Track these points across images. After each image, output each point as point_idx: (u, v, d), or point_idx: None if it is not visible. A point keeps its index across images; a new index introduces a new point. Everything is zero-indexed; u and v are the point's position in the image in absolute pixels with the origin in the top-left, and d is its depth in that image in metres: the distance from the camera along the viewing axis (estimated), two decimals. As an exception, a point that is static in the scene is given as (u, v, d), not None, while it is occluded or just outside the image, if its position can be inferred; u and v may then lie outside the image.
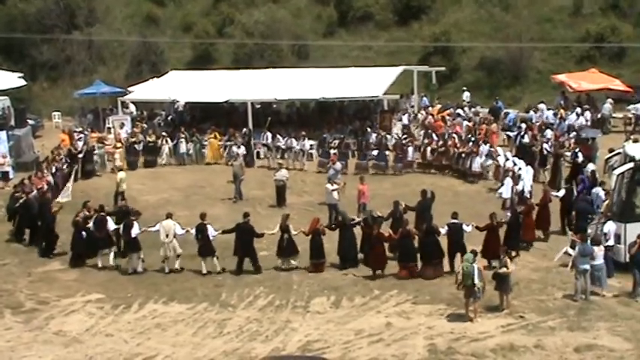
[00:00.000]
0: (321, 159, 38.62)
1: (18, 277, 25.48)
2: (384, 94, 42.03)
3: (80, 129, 43.27)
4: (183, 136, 40.41)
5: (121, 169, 33.74)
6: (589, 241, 22.67)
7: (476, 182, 35.12)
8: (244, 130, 40.72)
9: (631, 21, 53.01)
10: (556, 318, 21.07)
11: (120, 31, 59.37)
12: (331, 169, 33.85)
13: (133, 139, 39.51)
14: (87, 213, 26.66)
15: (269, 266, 25.68)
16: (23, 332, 21.47)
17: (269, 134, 40.41)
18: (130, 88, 47.14)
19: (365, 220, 25.83)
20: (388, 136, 39.17)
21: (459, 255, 23.43)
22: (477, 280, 20.97)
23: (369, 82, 42.80)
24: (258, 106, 44.48)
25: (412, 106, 46.50)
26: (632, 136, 36.48)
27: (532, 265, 25.10)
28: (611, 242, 24.04)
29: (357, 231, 25.87)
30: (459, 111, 43.88)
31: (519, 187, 30.32)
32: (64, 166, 34.82)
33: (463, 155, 36.49)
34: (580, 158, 33.18)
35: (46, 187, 30.84)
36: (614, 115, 42.64)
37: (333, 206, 29.72)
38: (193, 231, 25.71)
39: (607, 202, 26.44)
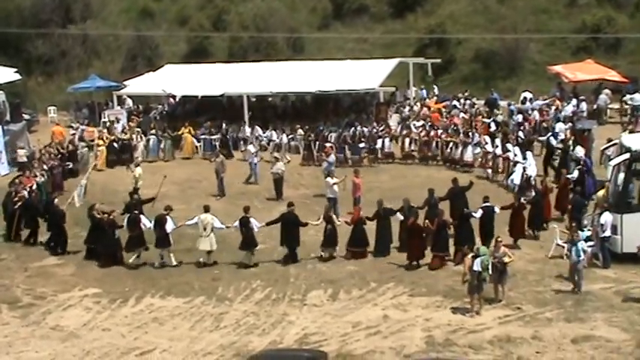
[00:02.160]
0: (305, 152, 38.78)
1: (15, 272, 25.43)
2: (380, 86, 41.94)
3: (77, 124, 43.21)
4: (153, 132, 40.29)
5: (138, 165, 33.46)
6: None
7: (470, 172, 35.14)
8: (224, 125, 40.87)
9: (627, 12, 52.97)
10: (553, 309, 21.10)
11: (115, 25, 59.34)
12: (325, 161, 33.81)
13: (112, 138, 39.25)
14: (98, 215, 26.29)
15: (265, 259, 25.71)
16: (20, 327, 21.46)
17: (247, 128, 40.38)
18: (125, 82, 47.05)
19: (401, 209, 25.96)
20: (364, 129, 39.08)
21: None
22: (491, 273, 21.18)
23: (365, 74, 42.72)
24: (254, 99, 44.48)
25: (408, 99, 46.43)
26: (629, 127, 36.52)
27: (529, 256, 25.13)
28: (607, 233, 24.06)
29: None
30: (455, 103, 43.86)
31: (528, 173, 30.68)
32: (58, 164, 34.47)
33: (451, 145, 36.75)
34: (554, 142, 34.30)
35: (35, 186, 30.19)
36: (610, 105, 42.60)
37: (333, 200, 29.63)
38: (236, 224, 25.61)
39: (603, 192, 26.48)
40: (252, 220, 25.54)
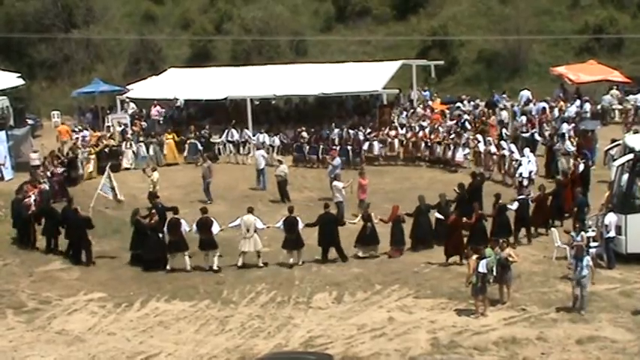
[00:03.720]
0: (296, 154, 38.90)
1: (20, 276, 25.42)
2: (383, 88, 41.96)
3: (79, 128, 43.24)
4: (142, 139, 40.13)
5: (155, 170, 33.22)
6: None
7: (458, 172, 35.64)
8: (204, 129, 40.98)
9: (629, 12, 53.09)
10: (558, 310, 21.07)
11: (118, 30, 59.48)
12: (330, 165, 33.76)
13: (103, 145, 38.87)
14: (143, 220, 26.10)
15: (271, 262, 25.71)
16: (26, 332, 21.46)
17: (234, 131, 40.41)
18: (128, 86, 47.10)
19: (439, 205, 26.36)
20: (351, 132, 39.15)
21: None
22: (495, 274, 21.21)
23: (368, 76, 42.73)
24: (257, 102, 44.53)
25: (411, 100, 46.47)
26: (633, 127, 36.52)
27: (534, 257, 25.12)
28: (612, 234, 24.04)
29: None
30: (459, 104, 43.92)
31: (530, 168, 31.47)
32: (61, 171, 34.25)
33: (442, 145, 37.07)
34: (539, 139, 35.92)
35: (37, 196, 29.32)
36: (614, 106, 42.58)
37: (341, 203, 29.53)
38: (280, 224, 25.75)
39: (607, 193, 26.49)
40: (299, 220, 25.72)
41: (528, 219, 26.53)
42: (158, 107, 45.61)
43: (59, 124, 45.44)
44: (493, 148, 34.67)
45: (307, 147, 38.94)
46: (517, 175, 31.69)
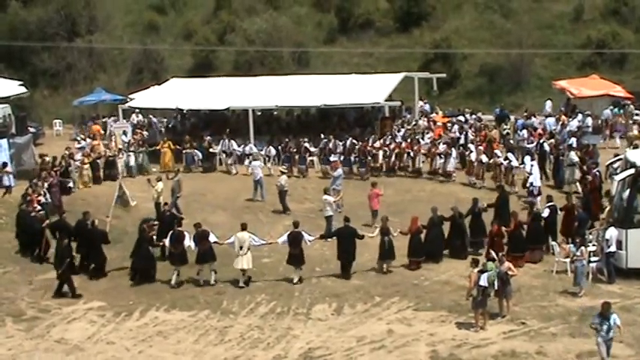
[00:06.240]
0: (285, 163, 38.81)
1: (19, 284, 25.40)
2: (385, 100, 41.98)
3: (81, 137, 43.24)
4: (132, 149, 39.97)
5: (160, 180, 33.02)
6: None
7: (450, 182, 35.97)
8: (207, 137, 40.95)
9: (632, 27, 53.14)
10: (558, 324, 21.07)
11: (121, 39, 59.62)
12: (333, 176, 33.67)
13: (96, 154, 38.81)
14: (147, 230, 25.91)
15: (271, 274, 25.68)
16: (25, 340, 21.43)
17: (227, 141, 40.46)
18: (131, 96, 47.14)
19: (452, 218, 26.73)
20: (339, 142, 39.29)
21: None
22: (495, 288, 21.17)
23: (370, 88, 42.81)
24: (259, 113, 44.57)
25: (411, 114, 46.49)
26: (634, 142, 36.56)
27: (533, 271, 25.10)
28: (612, 249, 24.03)
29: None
30: (461, 117, 43.94)
31: (530, 180, 31.74)
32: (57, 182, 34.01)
33: (429, 156, 37.39)
34: (547, 148, 35.87)
35: (38, 207, 29.29)
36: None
37: (330, 218, 29.26)
38: (284, 239, 25.43)
39: (608, 208, 26.50)
40: (305, 234, 25.40)
41: (556, 226, 26.85)
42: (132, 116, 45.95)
43: (92, 124, 46.68)
44: (484, 158, 34.98)
45: (296, 157, 39.01)
46: (528, 185, 31.78)
